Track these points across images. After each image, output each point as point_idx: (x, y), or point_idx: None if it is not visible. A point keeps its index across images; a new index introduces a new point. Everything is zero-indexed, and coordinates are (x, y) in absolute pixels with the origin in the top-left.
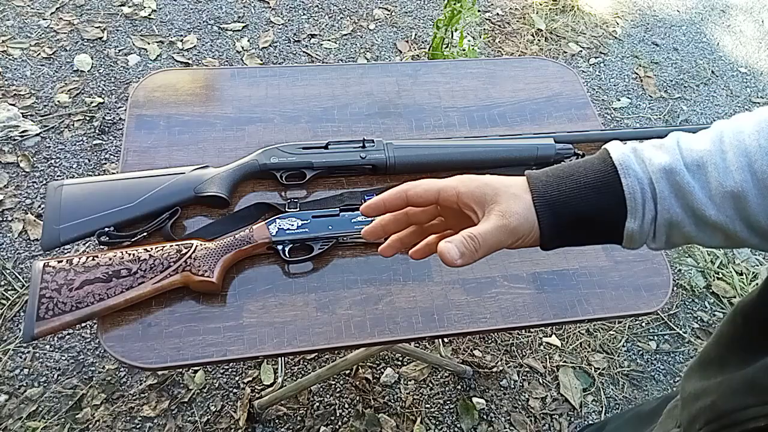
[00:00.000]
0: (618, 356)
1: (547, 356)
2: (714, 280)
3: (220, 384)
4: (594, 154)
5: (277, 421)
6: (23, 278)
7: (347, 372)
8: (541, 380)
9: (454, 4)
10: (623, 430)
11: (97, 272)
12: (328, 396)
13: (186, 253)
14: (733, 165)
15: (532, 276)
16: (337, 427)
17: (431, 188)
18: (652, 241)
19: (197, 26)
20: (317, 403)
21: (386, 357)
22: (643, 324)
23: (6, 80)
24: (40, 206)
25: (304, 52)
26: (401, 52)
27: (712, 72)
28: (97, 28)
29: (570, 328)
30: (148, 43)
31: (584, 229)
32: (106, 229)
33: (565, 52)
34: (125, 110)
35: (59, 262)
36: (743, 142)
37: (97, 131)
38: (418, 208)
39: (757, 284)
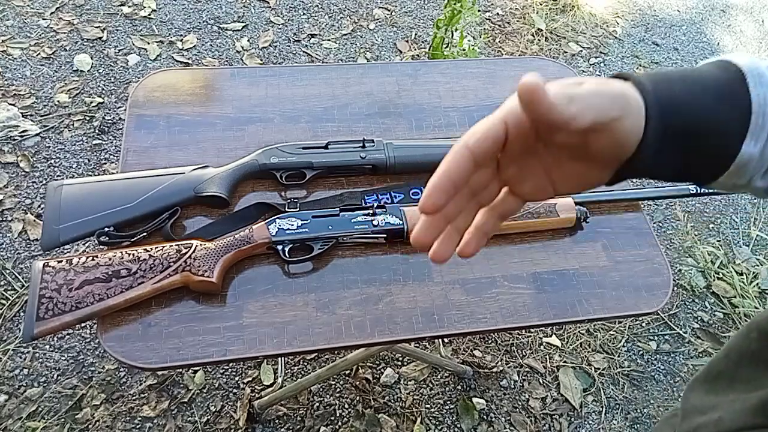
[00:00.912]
0: (618, 356)
1: (547, 356)
2: (714, 280)
3: (220, 384)
4: (705, 65)
5: (277, 421)
6: (23, 278)
7: (347, 372)
8: (541, 380)
9: (454, 4)
10: None
11: (97, 272)
12: (328, 396)
13: (186, 253)
14: None
15: (532, 276)
16: (337, 427)
17: (544, 103)
18: (762, 178)
19: (197, 26)
20: (317, 403)
21: (386, 357)
22: (644, 324)
23: (6, 80)
24: (39, 206)
25: (304, 52)
26: (401, 52)
27: None
28: (96, 28)
29: (570, 328)
30: (148, 43)
31: (691, 145)
32: (106, 229)
33: (566, 52)
34: (125, 110)
35: (59, 262)
36: None
37: (96, 131)
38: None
39: (757, 285)
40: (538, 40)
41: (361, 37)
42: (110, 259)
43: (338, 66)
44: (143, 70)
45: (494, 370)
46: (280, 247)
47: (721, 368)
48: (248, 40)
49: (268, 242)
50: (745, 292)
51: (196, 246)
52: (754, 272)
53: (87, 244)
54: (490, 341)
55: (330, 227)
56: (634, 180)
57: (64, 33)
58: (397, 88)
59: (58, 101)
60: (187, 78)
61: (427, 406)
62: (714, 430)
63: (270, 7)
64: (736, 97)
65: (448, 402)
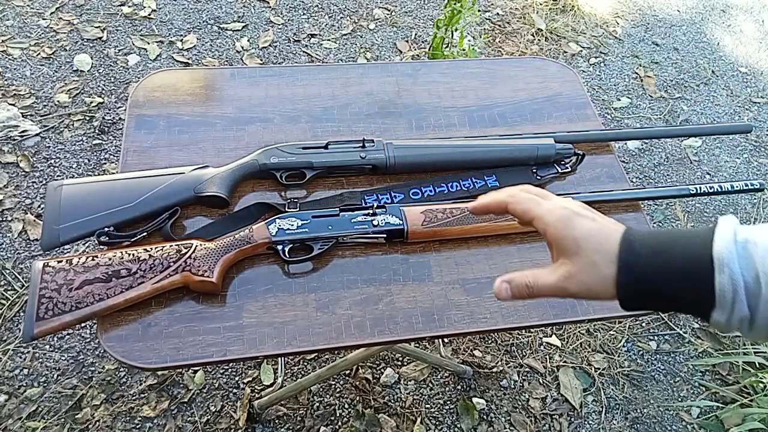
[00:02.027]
0: (618, 356)
1: (547, 356)
2: None
3: (220, 384)
4: (704, 230)
5: (277, 421)
6: (23, 278)
7: (347, 372)
8: (541, 380)
9: (454, 4)
10: None
11: (97, 272)
12: (328, 396)
13: (186, 253)
14: None
15: None
16: (337, 427)
17: (528, 214)
18: (748, 332)
19: (197, 26)
20: (317, 403)
21: (386, 357)
22: (643, 324)
23: (6, 80)
24: (39, 206)
25: (304, 52)
26: (401, 52)
27: (713, 72)
28: (96, 28)
29: (570, 328)
30: (148, 43)
31: (667, 305)
32: (106, 229)
33: (565, 52)
34: (125, 110)
35: (59, 262)
36: None
37: (96, 131)
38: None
39: None
40: (538, 40)
41: (361, 37)
42: (110, 259)
43: (338, 66)
44: (143, 70)
45: (494, 370)
46: (280, 247)
47: None
48: (248, 40)
49: (268, 242)
50: None
51: (196, 246)
52: None
53: (87, 244)
54: (490, 341)
55: (330, 227)
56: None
57: (64, 33)
58: (397, 88)
59: (58, 101)
60: (187, 78)
61: (427, 406)
62: None
63: (270, 7)
64: (703, 280)
65: (448, 402)
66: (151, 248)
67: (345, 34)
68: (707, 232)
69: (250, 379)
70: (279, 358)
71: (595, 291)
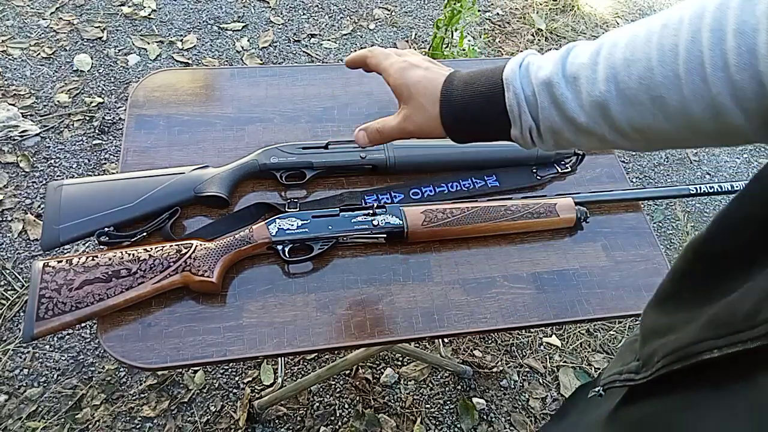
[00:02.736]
0: None
1: (547, 356)
2: None
3: (220, 384)
4: (505, 61)
5: (277, 421)
6: (23, 278)
7: (347, 372)
8: (541, 380)
9: (454, 4)
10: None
11: (97, 272)
12: (328, 396)
13: (186, 253)
14: (600, 76)
15: (532, 276)
16: (337, 427)
17: (377, 67)
18: (541, 144)
19: (197, 26)
20: (317, 403)
21: (386, 357)
22: (640, 325)
23: (6, 80)
24: (40, 206)
25: (304, 52)
26: None
27: None
28: (96, 28)
29: (570, 328)
30: (148, 43)
31: (481, 129)
32: (106, 229)
33: None
34: (125, 110)
35: (59, 262)
36: (614, 55)
37: (96, 131)
38: None
39: None
40: (538, 40)
41: (361, 37)
42: (110, 259)
43: (338, 66)
44: (143, 70)
45: (494, 370)
46: (280, 247)
47: (668, 290)
48: (248, 40)
49: (268, 242)
50: None
51: (196, 246)
52: None
53: (87, 244)
54: (490, 341)
55: (330, 227)
56: (634, 180)
57: (64, 33)
58: None
59: (58, 101)
60: (187, 78)
61: (427, 406)
62: (672, 348)
63: (270, 7)
64: (498, 99)
65: (448, 402)
66: (151, 248)
67: (345, 34)
68: (505, 63)
69: (250, 379)
70: (279, 358)
71: (427, 129)
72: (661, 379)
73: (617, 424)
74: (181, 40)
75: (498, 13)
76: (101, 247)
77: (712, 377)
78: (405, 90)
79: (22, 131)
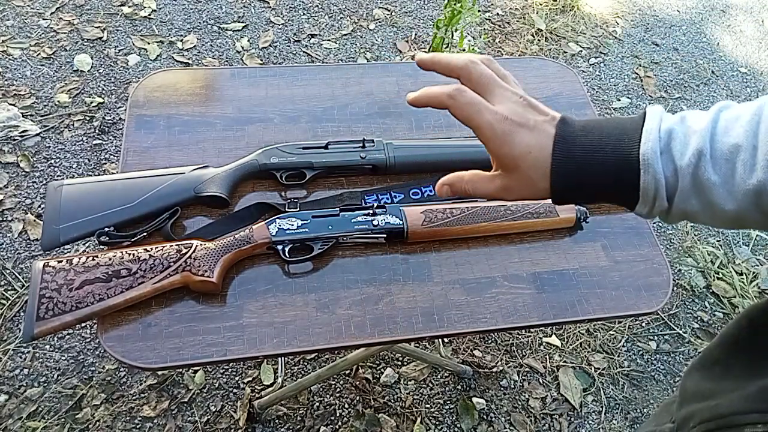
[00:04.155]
0: (618, 356)
1: (547, 356)
2: (714, 280)
3: (220, 384)
4: (632, 125)
5: (277, 421)
6: (23, 278)
7: (347, 372)
8: (541, 380)
9: (454, 4)
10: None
11: (97, 272)
12: (328, 396)
13: (186, 253)
14: (761, 162)
15: (532, 276)
16: (337, 427)
17: (469, 122)
18: (664, 220)
19: (197, 26)
20: (317, 403)
21: (386, 357)
22: (643, 324)
23: (6, 80)
24: (40, 206)
25: (304, 52)
26: (401, 52)
27: (712, 72)
28: (97, 28)
29: (570, 328)
30: (148, 43)
31: (598, 201)
32: (106, 229)
33: (565, 52)
34: (125, 110)
35: (59, 262)
36: None
37: (97, 131)
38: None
39: (757, 285)
40: (538, 40)
41: (361, 37)
42: (110, 259)
43: (338, 66)
44: (143, 70)
45: (494, 370)
46: (280, 247)
47: (716, 356)
48: (248, 40)
49: (268, 242)
50: (744, 292)
51: (196, 246)
52: (753, 272)
53: (87, 244)
54: (490, 341)
55: (330, 227)
56: None
57: (65, 33)
58: (397, 88)
59: (58, 101)
60: (187, 78)
61: (427, 406)
62: (710, 415)
63: (270, 7)
64: (630, 180)
65: (448, 402)
66: (151, 248)
67: (345, 34)
68: (635, 128)
69: (250, 379)
70: (279, 358)
71: (530, 199)
72: None
73: None
74: (181, 40)
75: (498, 13)
76: (101, 247)
77: None
78: (510, 162)
79: (22, 131)
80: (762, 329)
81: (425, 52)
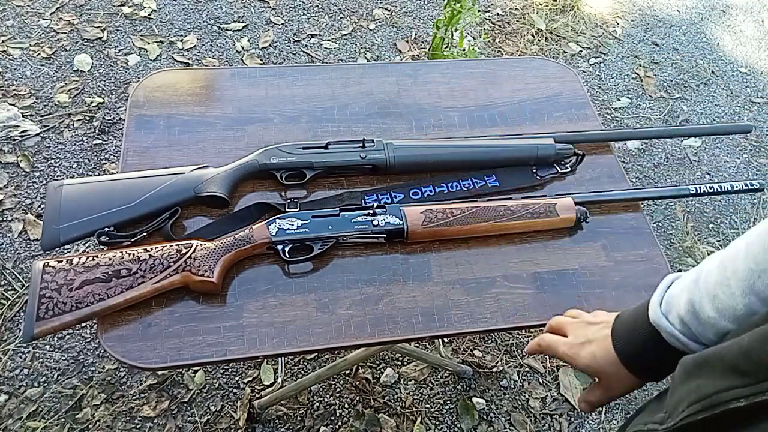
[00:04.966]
0: None
1: (547, 356)
2: None
3: (220, 384)
4: (646, 300)
5: (277, 421)
6: (23, 278)
7: (347, 372)
8: (541, 380)
9: (454, 4)
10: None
11: (97, 272)
12: (328, 396)
13: (186, 253)
14: (737, 291)
15: (532, 276)
16: (337, 427)
17: (555, 356)
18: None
19: (197, 26)
20: (317, 403)
21: (386, 357)
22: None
23: (6, 80)
24: (40, 206)
25: (304, 52)
26: (401, 52)
27: (712, 72)
28: (97, 28)
29: None
30: (148, 43)
31: (671, 365)
32: (106, 229)
33: (565, 52)
34: (125, 110)
35: (59, 262)
36: (738, 268)
37: (97, 131)
38: None
39: None
40: (538, 40)
41: (361, 37)
42: (110, 259)
43: (338, 66)
44: (143, 70)
45: (494, 370)
46: (280, 247)
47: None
48: (248, 40)
49: (268, 242)
50: None
51: (196, 246)
52: None
53: (87, 244)
54: (490, 341)
55: (330, 227)
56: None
57: (65, 33)
58: (397, 88)
59: (58, 101)
60: (187, 78)
61: (427, 406)
62: (696, 397)
63: (270, 7)
64: (663, 343)
65: (448, 402)
66: (151, 248)
67: (345, 34)
68: (646, 302)
69: (250, 379)
70: (279, 358)
71: (630, 388)
72: (685, 428)
73: None
74: (181, 40)
75: (498, 13)
76: (101, 247)
77: (737, 426)
78: (593, 373)
79: (22, 131)
80: None
81: (425, 53)
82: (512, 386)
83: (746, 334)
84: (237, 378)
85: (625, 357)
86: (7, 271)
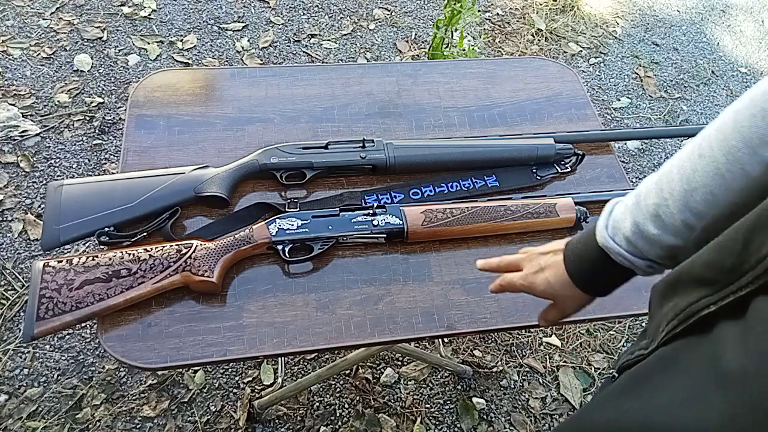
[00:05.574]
0: (618, 356)
1: (547, 356)
2: None
3: (220, 384)
4: (593, 227)
5: (277, 421)
6: (23, 278)
7: (347, 372)
8: (541, 380)
9: (454, 4)
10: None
11: (97, 272)
12: (328, 396)
13: (186, 253)
14: (675, 210)
15: None
16: (337, 427)
17: (515, 287)
18: (669, 266)
19: (197, 26)
20: (317, 403)
21: (386, 357)
22: (643, 324)
23: (6, 80)
24: (40, 206)
25: (304, 52)
26: (401, 52)
27: (712, 72)
28: (97, 28)
29: (570, 328)
30: (148, 43)
31: (619, 282)
32: (106, 229)
33: (565, 52)
34: (125, 110)
35: (59, 262)
36: (674, 189)
37: (97, 131)
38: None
39: None
40: (538, 40)
41: (361, 37)
42: (110, 259)
43: (338, 66)
44: (143, 70)
45: (494, 370)
46: (280, 247)
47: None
48: (248, 40)
49: (268, 242)
50: None
51: (197, 246)
52: None
53: (87, 244)
54: (490, 341)
55: (330, 227)
56: (634, 180)
57: (65, 33)
58: (397, 88)
59: (58, 101)
60: (187, 78)
61: (427, 405)
62: (673, 314)
63: (270, 7)
64: (613, 264)
65: (448, 402)
66: (152, 248)
67: (345, 34)
68: (592, 228)
69: (250, 379)
70: (279, 358)
71: (583, 304)
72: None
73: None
74: (181, 40)
75: (498, 13)
76: (101, 247)
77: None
78: (547, 296)
79: (22, 131)
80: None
81: (425, 53)
82: (512, 386)
83: (705, 248)
84: (237, 378)
85: (578, 278)
86: (7, 271)
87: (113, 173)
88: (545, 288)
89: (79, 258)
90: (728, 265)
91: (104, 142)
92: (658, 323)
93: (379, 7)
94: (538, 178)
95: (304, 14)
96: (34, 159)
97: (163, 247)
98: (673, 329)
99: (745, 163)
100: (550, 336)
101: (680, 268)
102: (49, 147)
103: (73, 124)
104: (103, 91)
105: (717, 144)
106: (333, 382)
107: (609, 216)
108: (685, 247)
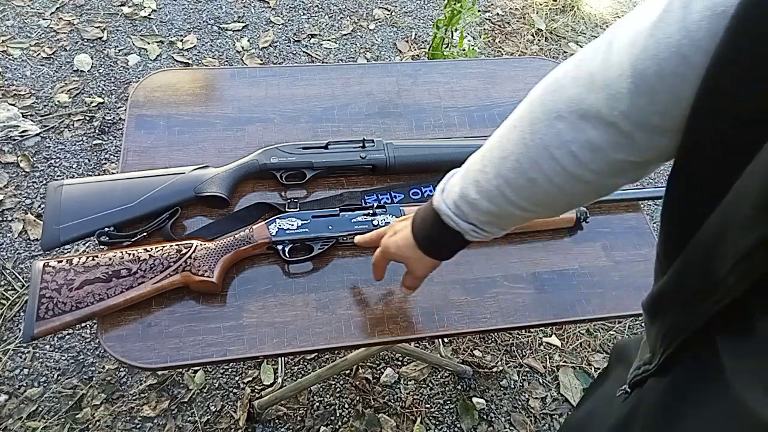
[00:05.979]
0: None
1: (547, 356)
2: None
3: (220, 384)
4: (430, 203)
5: (277, 421)
6: (23, 278)
7: (347, 372)
8: (541, 380)
9: (454, 4)
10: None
11: (97, 272)
12: (328, 396)
13: (186, 253)
14: (491, 176)
15: (532, 276)
16: (337, 427)
17: (384, 259)
18: (494, 231)
19: (197, 26)
20: (317, 403)
21: (386, 357)
22: (643, 324)
23: (6, 80)
24: (40, 206)
25: (304, 52)
26: (401, 52)
27: None
28: (97, 28)
29: (570, 328)
30: (148, 43)
31: (457, 247)
32: (106, 229)
33: (565, 52)
34: (125, 110)
35: (59, 262)
36: (493, 156)
37: (97, 131)
38: None
39: None
40: (538, 40)
41: (361, 37)
42: (110, 259)
43: (338, 66)
44: (143, 70)
45: (494, 370)
46: (280, 247)
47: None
48: (248, 40)
49: (268, 242)
50: None
51: (196, 246)
52: None
53: (87, 244)
54: (490, 341)
55: (330, 227)
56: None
57: (65, 33)
58: (397, 88)
59: (58, 101)
60: (187, 78)
61: (427, 405)
62: (663, 333)
63: (270, 7)
64: (445, 227)
65: (448, 402)
66: (152, 248)
67: (345, 34)
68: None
69: (250, 378)
70: (279, 358)
71: (430, 267)
72: (667, 363)
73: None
74: (181, 40)
75: (498, 13)
76: (101, 247)
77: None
78: (400, 258)
79: (22, 131)
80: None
81: (425, 53)
82: (512, 386)
83: (673, 265)
84: (237, 378)
85: (419, 240)
86: (7, 271)
87: (113, 173)
88: (395, 251)
89: (79, 258)
90: (695, 286)
91: (104, 142)
92: (654, 340)
93: (379, 7)
94: None
95: (304, 14)
96: (34, 159)
97: (163, 247)
98: (666, 348)
99: (543, 135)
100: (550, 336)
101: (657, 286)
102: (49, 147)
103: (73, 124)
104: (103, 91)
105: (527, 115)
106: (333, 382)
107: (447, 182)
108: (500, 215)
